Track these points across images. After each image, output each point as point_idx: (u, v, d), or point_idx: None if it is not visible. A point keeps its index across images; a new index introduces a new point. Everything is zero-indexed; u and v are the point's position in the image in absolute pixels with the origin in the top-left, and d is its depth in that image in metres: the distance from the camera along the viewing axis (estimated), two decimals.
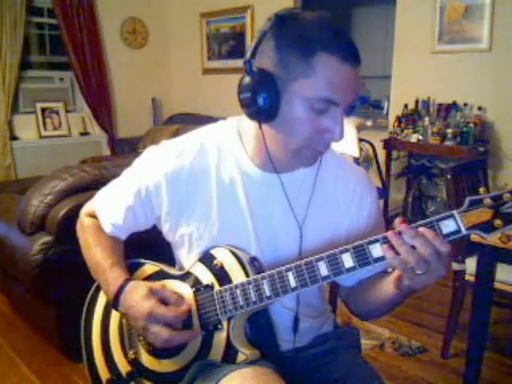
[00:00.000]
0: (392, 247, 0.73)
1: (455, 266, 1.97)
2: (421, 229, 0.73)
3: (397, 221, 0.75)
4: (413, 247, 0.72)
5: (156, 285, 0.90)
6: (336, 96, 0.77)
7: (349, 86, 0.78)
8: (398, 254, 0.73)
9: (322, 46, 0.76)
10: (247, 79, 0.81)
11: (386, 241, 0.75)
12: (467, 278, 1.94)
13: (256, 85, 0.79)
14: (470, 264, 1.89)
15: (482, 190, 0.74)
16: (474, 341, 1.66)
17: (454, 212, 0.73)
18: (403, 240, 0.73)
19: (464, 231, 0.72)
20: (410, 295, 0.84)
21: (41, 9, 4.43)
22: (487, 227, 0.72)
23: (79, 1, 4.38)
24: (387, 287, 0.86)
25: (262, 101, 0.79)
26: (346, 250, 0.78)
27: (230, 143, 0.94)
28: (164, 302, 0.87)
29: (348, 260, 0.78)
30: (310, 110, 0.79)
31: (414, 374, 1.96)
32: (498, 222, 0.71)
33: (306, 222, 0.93)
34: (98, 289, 1.03)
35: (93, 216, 1.03)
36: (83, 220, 1.05)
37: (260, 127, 0.85)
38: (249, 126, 0.90)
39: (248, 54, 0.81)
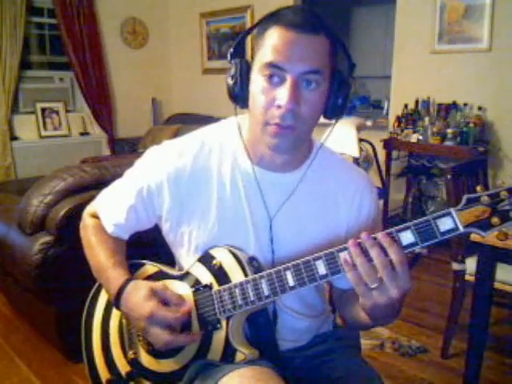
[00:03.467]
0: (351, 258, 0.74)
1: (455, 266, 1.97)
2: (379, 235, 0.73)
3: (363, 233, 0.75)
4: (370, 259, 0.73)
5: (157, 285, 0.90)
6: (278, 61, 0.79)
7: (293, 51, 0.79)
8: (354, 266, 0.74)
9: (274, 21, 0.81)
10: (228, 67, 0.89)
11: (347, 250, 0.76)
12: (467, 278, 1.94)
13: (230, 71, 0.88)
14: (470, 264, 1.89)
15: (479, 188, 0.74)
16: (474, 341, 1.65)
17: (452, 210, 0.73)
18: (362, 250, 0.74)
19: (461, 229, 0.72)
20: (375, 320, 0.83)
21: (41, 9, 4.43)
22: (484, 225, 0.72)
23: (79, 1, 4.37)
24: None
25: (235, 84, 0.87)
26: (344, 249, 0.78)
27: (231, 142, 0.94)
28: (165, 302, 0.87)
29: None
30: (262, 81, 0.82)
31: (414, 374, 1.96)
32: (495, 219, 0.71)
33: (306, 221, 0.93)
34: (99, 289, 1.04)
35: (95, 217, 1.04)
36: (86, 221, 1.05)
37: (235, 109, 0.91)
38: (246, 122, 0.93)
39: (231, 47, 0.90)
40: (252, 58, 0.87)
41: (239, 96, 0.87)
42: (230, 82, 0.88)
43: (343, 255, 0.76)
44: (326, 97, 0.85)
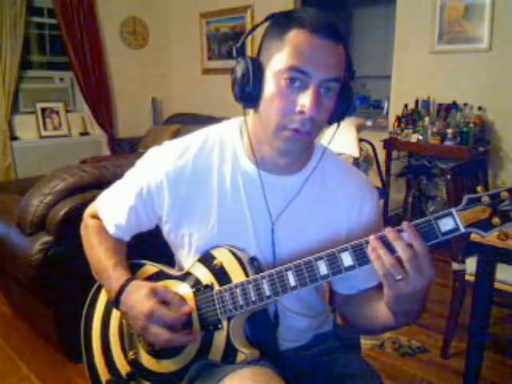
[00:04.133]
0: (375, 249, 0.74)
1: (455, 266, 1.97)
2: (404, 225, 0.73)
3: (404, 223, 0.75)
4: (393, 251, 0.73)
5: (158, 285, 0.90)
6: (303, 65, 0.78)
7: (318, 57, 0.78)
8: (379, 256, 0.74)
9: (296, 23, 0.79)
10: (234, 64, 0.85)
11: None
12: (467, 278, 1.94)
13: (237, 69, 0.84)
14: (470, 264, 1.89)
15: (479, 188, 0.74)
16: (474, 341, 1.65)
17: (453, 210, 0.73)
18: (384, 243, 0.74)
19: (462, 229, 0.72)
20: (402, 317, 0.83)
21: (41, 9, 4.43)
22: (485, 225, 0.72)
23: (79, 1, 4.38)
24: (380, 307, 0.86)
25: (244, 83, 0.83)
26: (346, 249, 0.78)
27: (231, 144, 0.94)
28: (165, 303, 0.87)
29: (347, 259, 0.78)
30: (282, 85, 0.80)
31: (414, 374, 1.96)
32: (495, 219, 0.71)
33: (307, 223, 0.93)
34: (99, 290, 1.04)
35: (96, 217, 1.04)
36: (87, 221, 1.05)
37: (243, 110, 0.88)
38: (249, 124, 0.91)
39: (238, 43, 0.86)
40: (257, 56, 0.85)
41: (248, 96, 0.84)
42: (238, 80, 0.83)
43: (372, 244, 0.75)
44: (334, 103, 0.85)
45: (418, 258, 0.73)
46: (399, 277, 0.73)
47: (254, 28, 0.89)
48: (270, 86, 0.81)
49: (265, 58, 0.83)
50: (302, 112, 0.79)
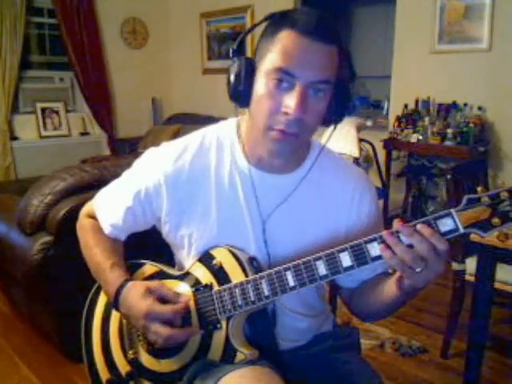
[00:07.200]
0: (388, 247, 0.74)
1: (455, 266, 1.96)
2: (418, 226, 0.73)
3: (395, 221, 0.75)
4: (410, 246, 0.73)
5: (153, 283, 0.90)
6: (291, 67, 0.78)
7: (307, 59, 0.78)
8: (394, 253, 0.73)
9: (288, 23, 0.79)
10: (230, 64, 0.86)
11: (383, 240, 0.75)
12: (467, 278, 1.94)
13: (232, 69, 0.85)
14: (470, 264, 1.89)
15: (479, 188, 0.74)
16: (474, 341, 1.65)
17: (452, 210, 0.73)
18: (399, 239, 0.74)
19: (462, 230, 0.72)
20: (413, 294, 0.84)
21: (41, 9, 4.43)
22: (485, 226, 0.72)
23: (79, 1, 4.37)
24: (390, 289, 0.85)
25: (237, 83, 0.84)
26: (344, 249, 0.78)
27: (229, 143, 0.94)
28: (162, 300, 0.87)
29: (346, 259, 0.78)
30: (270, 85, 0.80)
31: (414, 374, 1.96)
32: (495, 220, 0.71)
33: (303, 222, 0.93)
34: (99, 289, 1.04)
35: (92, 217, 1.04)
36: (83, 221, 1.05)
37: (235, 109, 0.88)
38: (245, 125, 0.91)
39: (235, 44, 0.87)
40: (255, 56, 0.85)
41: (240, 95, 0.85)
42: (232, 80, 0.85)
43: (381, 246, 0.75)
44: (328, 105, 0.84)
45: (437, 249, 0.72)
46: (419, 269, 0.73)
47: (252, 28, 0.89)
48: (259, 86, 0.82)
49: (258, 58, 0.83)
50: (286, 113, 0.79)
